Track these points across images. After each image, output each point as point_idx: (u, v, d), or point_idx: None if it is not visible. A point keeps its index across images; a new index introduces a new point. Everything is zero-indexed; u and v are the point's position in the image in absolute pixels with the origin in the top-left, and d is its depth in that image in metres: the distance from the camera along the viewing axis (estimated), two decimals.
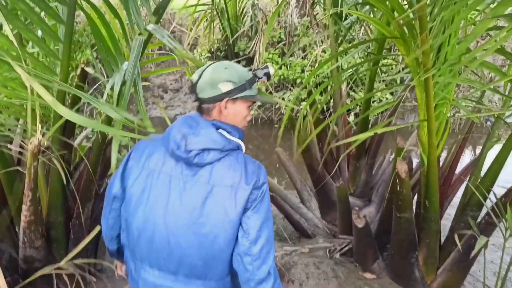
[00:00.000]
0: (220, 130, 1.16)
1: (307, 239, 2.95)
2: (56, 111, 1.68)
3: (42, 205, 2.03)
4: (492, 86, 1.75)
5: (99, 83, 2.33)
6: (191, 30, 6.97)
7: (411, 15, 1.59)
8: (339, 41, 3.13)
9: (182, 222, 1.13)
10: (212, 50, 7.63)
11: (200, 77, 1.17)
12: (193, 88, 1.19)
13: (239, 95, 1.17)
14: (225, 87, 1.15)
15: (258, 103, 6.59)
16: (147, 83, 7.43)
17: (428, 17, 1.65)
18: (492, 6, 1.50)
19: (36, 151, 1.54)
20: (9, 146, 1.81)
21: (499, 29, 1.38)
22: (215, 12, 6.92)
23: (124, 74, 1.75)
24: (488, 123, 6.77)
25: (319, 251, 2.75)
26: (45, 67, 1.78)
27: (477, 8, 1.62)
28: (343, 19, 2.95)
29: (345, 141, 2.11)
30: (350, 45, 2.98)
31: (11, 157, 2.04)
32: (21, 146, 2.45)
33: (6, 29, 1.37)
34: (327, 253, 2.69)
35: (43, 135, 1.74)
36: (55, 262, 2.01)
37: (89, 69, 2.08)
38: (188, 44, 7.98)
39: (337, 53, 2.85)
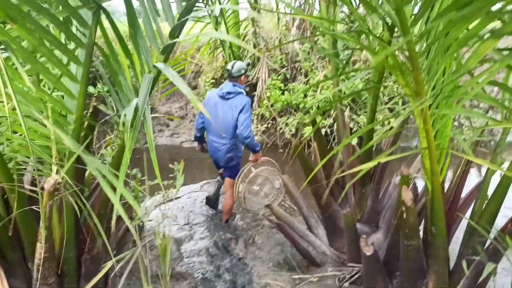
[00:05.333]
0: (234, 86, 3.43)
1: (316, 267, 2.93)
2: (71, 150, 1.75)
3: (55, 241, 2.05)
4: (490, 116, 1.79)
5: (107, 117, 2.40)
6: (194, 58, 7.15)
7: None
8: (340, 66, 3.20)
9: (221, 119, 3.41)
10: (216, 77, 7.79)
11: (232, 67, 3.41)
12: (230, 71, 3.41)
13: (243, 74, 3.51)
14: (242, 71, 3.47)
15: (263, 128, 6.69)
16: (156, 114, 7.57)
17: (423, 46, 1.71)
18: (484, 39, 1.55)
19: (52, 190, 1.59)
20: (26, 186, 1.85)
21: (490, 61, 1.42)
22: (218, 41, 7.10)
23: (136, 108, 1.81)
24: (492, 142, 6.77)
25: (328, 279, 2.73)
26: (63, 106, 1.85)
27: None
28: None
29: (351, 171, 2.14)
30: (350, 70, 3.06)
31: (24, 195, 2.09)
32: (32, 184, 2.50)
33: (21, 71, 1.45)
34: (337, 282, 2.68)
35: (56, 172, 1.79)
36: None
37: (100, 107, 2.15)
38: (192, 72, 8.15)
39: (337, 76, 2.91)
